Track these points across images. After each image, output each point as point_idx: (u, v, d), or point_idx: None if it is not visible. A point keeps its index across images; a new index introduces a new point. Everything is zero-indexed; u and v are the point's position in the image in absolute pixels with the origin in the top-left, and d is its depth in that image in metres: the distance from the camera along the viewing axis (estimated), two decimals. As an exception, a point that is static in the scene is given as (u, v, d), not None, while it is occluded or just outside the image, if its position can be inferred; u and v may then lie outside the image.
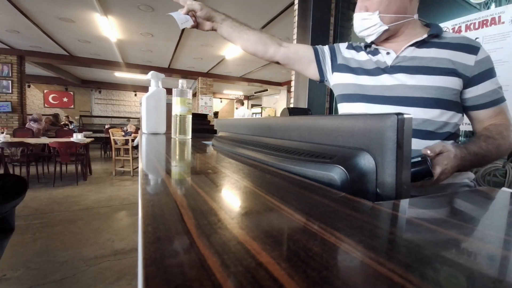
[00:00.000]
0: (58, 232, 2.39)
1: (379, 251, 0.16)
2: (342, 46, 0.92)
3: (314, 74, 0.95)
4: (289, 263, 0.15)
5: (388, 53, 0.79)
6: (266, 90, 10.87)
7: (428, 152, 0.58)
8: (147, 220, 0.21)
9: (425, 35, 0.74)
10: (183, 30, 4.73)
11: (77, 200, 3.29)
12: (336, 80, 0.89)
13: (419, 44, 0.75)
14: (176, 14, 0.88)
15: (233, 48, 5.81)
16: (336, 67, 0.90)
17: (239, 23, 0.93)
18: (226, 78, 8.76)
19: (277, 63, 0.97)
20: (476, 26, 1.64)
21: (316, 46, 0.95)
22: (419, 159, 0.53)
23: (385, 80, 0.76)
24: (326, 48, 0.94)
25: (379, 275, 0.14)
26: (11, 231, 0.88)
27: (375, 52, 0.82)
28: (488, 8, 1.92)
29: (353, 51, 0.88)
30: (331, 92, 2.47)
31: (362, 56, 0.84)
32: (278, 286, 0.12)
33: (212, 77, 8.48)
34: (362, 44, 0.87)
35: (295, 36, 2.45)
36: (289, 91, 8.64)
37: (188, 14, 0.88)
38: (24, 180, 0.91)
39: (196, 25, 0.91)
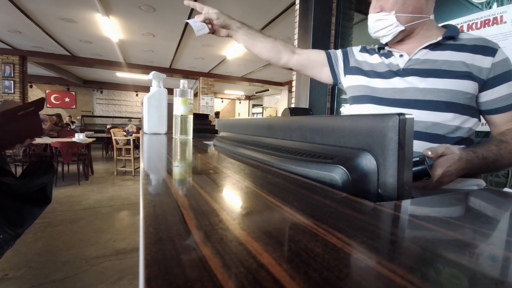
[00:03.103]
0: (60, 231, 2.40)
1: (380, 252, 0.16)
2: (355, 49, 0.92)
3: (327, 78, 0.96)
4: (290, 264, 0.15)
5: (401, 55, 0.77)
6: (267, 90, 10.87)
7: (429, 153, 0.56)
8: (149, 220, 0.21)
9: (440, 37, 0.71)
10: (184, 30, 4.74)
11: (79, 200, 3.30)
12: (349, 82, 0.89)
13: (433, 47, 0.73)
14: (192, 21, 0.90)
15: (234, 48, 5.81)
16: (349, 70, 0.90)
17: (254, 30, 0.96)
18: (227, 78, 8.76)
19: (291, 69, 0.99)
20: (478, 26, 1.63)
21: (328, 50, 0.96)
22: (417, 159, 0.52)
23: (397, 83, 0.75)
24: (338, 52, 0.94)
25: (381, 276, 0.14)
26: (48, 202, 1.05)
27: (388, 55, 0.80)
28: (490, 7, 1.91)
29: (366, 54, 0.87)
30: (332, 92, 2.46)
31: (375, 59, 0.83)
32: (279, 287, 0.12)
33: (213, 77, 8.49)
34: (376, 47, 0.86)
35: (296, 36, 2.45)
36: (290, 91, 8.64)
37: (204, 22, 0.90)
38: (52, 164, 1.15)
39: (213, 32, 0.94)
